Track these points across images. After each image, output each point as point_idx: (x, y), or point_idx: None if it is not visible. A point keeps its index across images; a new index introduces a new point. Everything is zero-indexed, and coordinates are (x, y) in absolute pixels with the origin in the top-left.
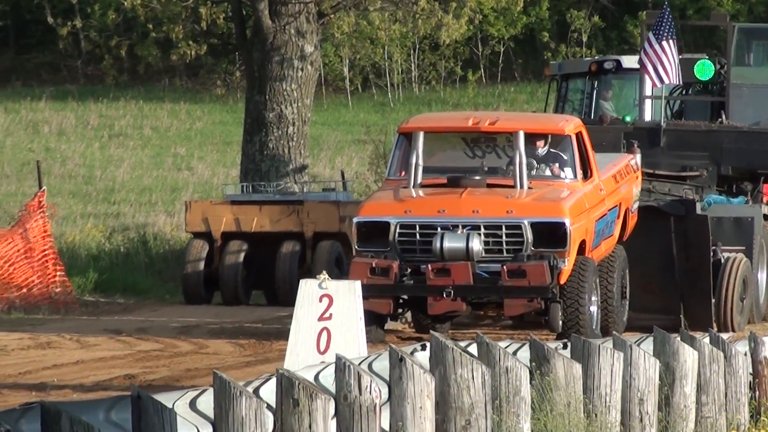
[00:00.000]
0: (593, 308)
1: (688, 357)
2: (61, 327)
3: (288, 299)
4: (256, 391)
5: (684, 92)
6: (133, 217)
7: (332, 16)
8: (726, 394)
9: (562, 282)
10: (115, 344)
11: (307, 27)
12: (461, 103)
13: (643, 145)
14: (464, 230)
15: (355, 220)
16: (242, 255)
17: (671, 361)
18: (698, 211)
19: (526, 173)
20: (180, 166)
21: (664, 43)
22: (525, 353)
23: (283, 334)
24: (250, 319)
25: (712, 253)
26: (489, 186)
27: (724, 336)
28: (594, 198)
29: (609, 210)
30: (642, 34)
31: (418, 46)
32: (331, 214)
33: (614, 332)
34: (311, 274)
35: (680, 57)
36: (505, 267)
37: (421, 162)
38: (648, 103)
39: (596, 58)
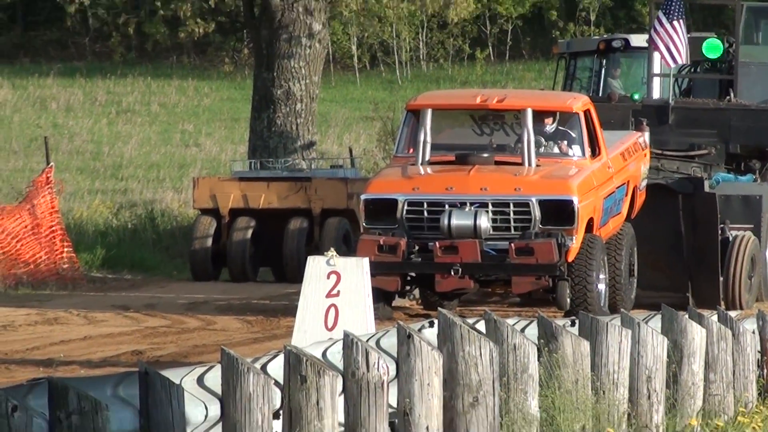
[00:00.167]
0: (601, 286)
1: (696, 335)
2: (69, 303)
3: (295, 276)
4: (263, 367)
5: (692, 70)
6: (141, 193)
7: None
8: (734, 371)
9: (569, 259)
10: (123, 320)
11: (315, 5)
12: (469, 81)
13: (651, 123)
14: (472, 208)
15: (362, 197)
16: (250, 231)
17: (679, 339)
18: (706, 189)
19: (534, 151)
20: (188, 143)
21: (675, 23)
22: (533, 330)
23: (291, 311)
24: (257, 296)
25: (720, 231)
26: (497, 163)
27: (732, 314)
28: (602, 176)
29: (617, 188)
30: (651, 13)
31: (426, 25)
32: (339, 191)
33: (622, 310)
34: (319, 250)
35: (689, 36)
36: (512, 244)
37: (429, 139)
38: (656, 81)
39: (604, 36)
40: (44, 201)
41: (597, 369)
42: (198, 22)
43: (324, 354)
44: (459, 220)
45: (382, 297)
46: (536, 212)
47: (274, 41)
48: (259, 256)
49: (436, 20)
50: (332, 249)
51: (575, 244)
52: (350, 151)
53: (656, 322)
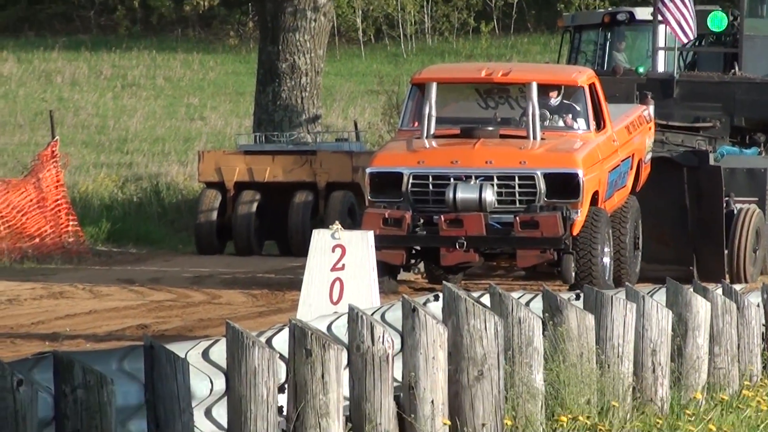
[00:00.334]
0: (606, 259)
1: (700, 308)
2: (74, 277)
3: (301, 249)
4: (268, 341)
5: (697, 44)
6: (146, 167)
7: None
8: (739, 345)
9: (574, 233)
10: (128, 294)
11: None
12: (474, 54)
13: (656, 96)
14: (477, 181)
15: (368, 170)
16: (255, 205)
17: (684, 312)
18: (711, 162)
19: (539, 124)
20: (193, 116)
21: None
22: (538, 304)
23: (296, 285)
24: (262, 269)
25: (724, 204)
26: (502, 137)
27: (737, 287)
28: (607, 149)
29: (622, 161)
30: None
31: None
32: (344, 164)
33: (627, 283)
34: (324, 224)
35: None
36: (517, 218)
37: (434, 113)
38: (661, 54)
39: (609, 9)
40: (49, 175)
41: (602, 342)
42: None
43: (329, 328)
44: (464, 194)
45: (387, 270)
46: (541, 185)
47: (279, 14)
48: (264, 230)
49: None
50: (337, 222)
51: (580, 217)
52: (355, 124)
53: (661, 295)
